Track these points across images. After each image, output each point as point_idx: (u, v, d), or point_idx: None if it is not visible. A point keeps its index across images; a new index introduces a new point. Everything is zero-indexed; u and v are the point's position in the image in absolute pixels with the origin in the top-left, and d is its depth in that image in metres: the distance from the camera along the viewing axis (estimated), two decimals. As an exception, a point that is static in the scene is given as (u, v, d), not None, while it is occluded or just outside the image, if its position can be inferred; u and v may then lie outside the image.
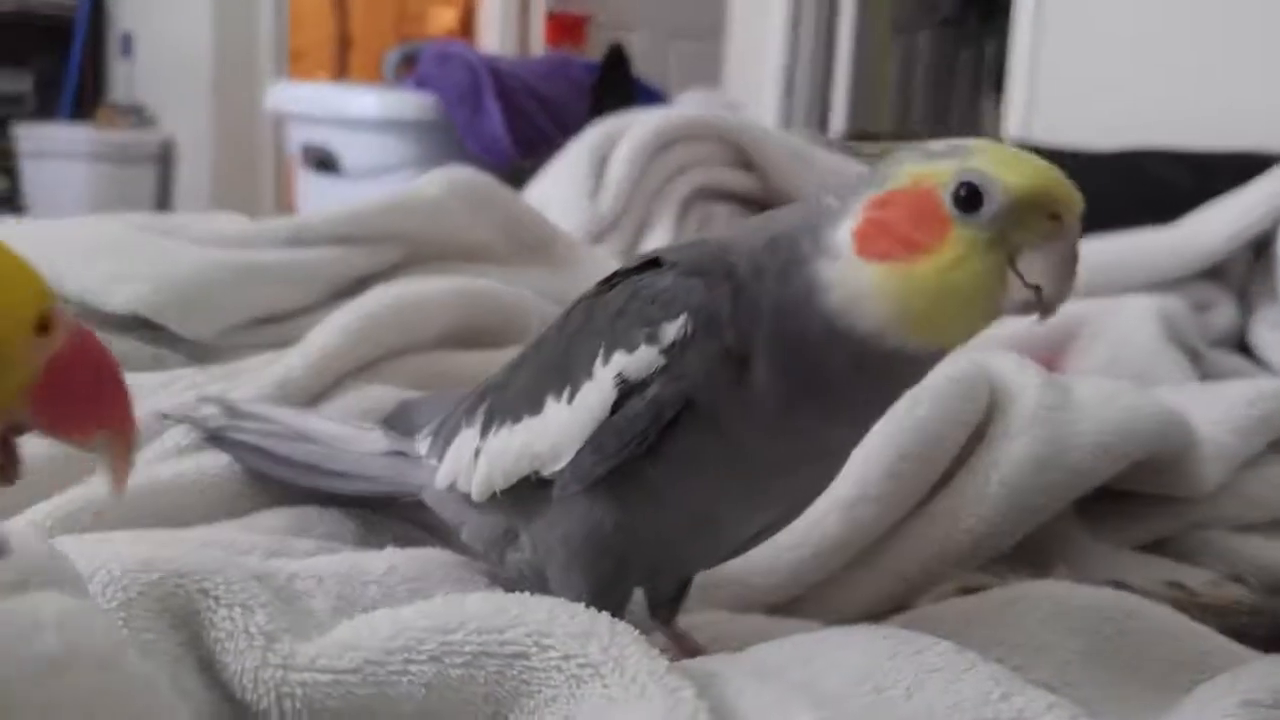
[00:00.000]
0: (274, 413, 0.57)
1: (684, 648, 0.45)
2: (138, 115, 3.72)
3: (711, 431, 0.40)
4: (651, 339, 0.40)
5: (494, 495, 0.45)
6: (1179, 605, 0.50)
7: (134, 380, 0.60)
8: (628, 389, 0.40)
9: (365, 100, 2.65)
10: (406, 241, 0.81)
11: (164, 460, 0.56)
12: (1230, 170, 1.14)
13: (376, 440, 0.54)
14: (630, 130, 1.06)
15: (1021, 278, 0.37)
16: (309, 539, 0.52)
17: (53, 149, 3.54)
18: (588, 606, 0.39)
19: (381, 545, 0.49)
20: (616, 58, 2.33)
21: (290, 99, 2.82)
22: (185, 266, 0.72)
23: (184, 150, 3.69)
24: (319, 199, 2.53)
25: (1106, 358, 0.90)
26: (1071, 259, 0.37)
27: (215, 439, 0.56)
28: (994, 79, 2.92)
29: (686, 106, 1.45)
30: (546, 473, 0.42)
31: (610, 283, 0.44)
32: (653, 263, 0.42)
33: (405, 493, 0.52)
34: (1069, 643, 0.45)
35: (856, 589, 0.55)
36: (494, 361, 0.70)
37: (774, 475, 0.42)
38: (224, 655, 0.36)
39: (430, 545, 0.50)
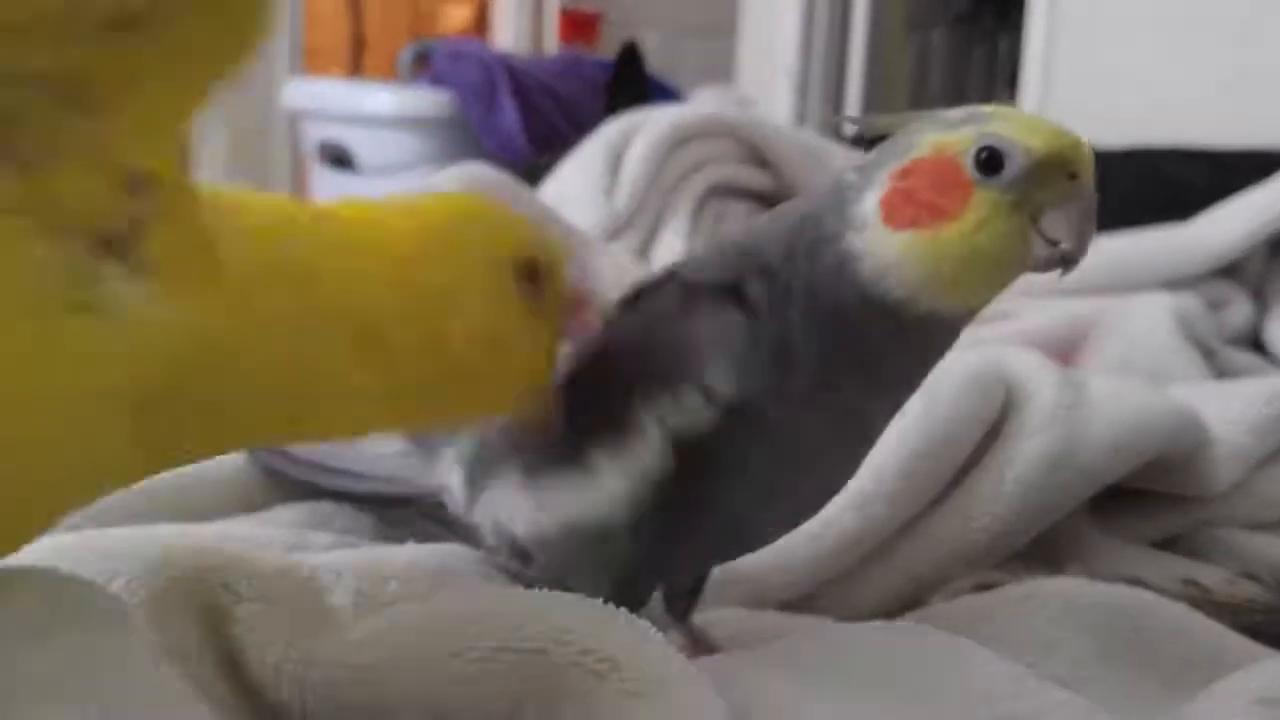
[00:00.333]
0: None
1: (699, 645, 0.45)
2: (154, 112, 3.73)
3: (754, 432, 0.40)
4: (698, 390, 0.40)
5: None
6: (1194, 603, 0.50)
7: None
8: (671, 435, 0.40)
9: (380, 97, 2.65)
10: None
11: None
12: (1248, 168, 1.13)
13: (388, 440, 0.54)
14: (645, 127, 1.06)
15: (1044, 236, 0.38)
16: (327, 533, 0.52)
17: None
18: (607, 602, 0.39)
19: (401, 540, 0.49)
20: (630, 55, 2.33)
21: (306, 96, 2.83)
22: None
23: (199, 147, 3.70)
24: (334, 196, 2.53)
25: (1121, 355, 0.90)
26: (1090, 215, 0.38)
27: None
28: (1008, 76, 2.91)
29: (700, 104, 1.45)
30: (597, 525, 0.42)
31: (634, 303, 0.43)
32: (673, 277, 0.42)
33: (423, 493, 0.52)
34: (1082, 640, 0.46)
35: (870, 586, 0.55)
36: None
37: (809, 462, 0.42)
38: (245, 650, 0.37)
39: (450, 541, 0.51)
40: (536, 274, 0.38)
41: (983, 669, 0.39)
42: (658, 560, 0.43)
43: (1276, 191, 1.00)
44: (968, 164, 0.37)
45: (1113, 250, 1.05)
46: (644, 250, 0.99)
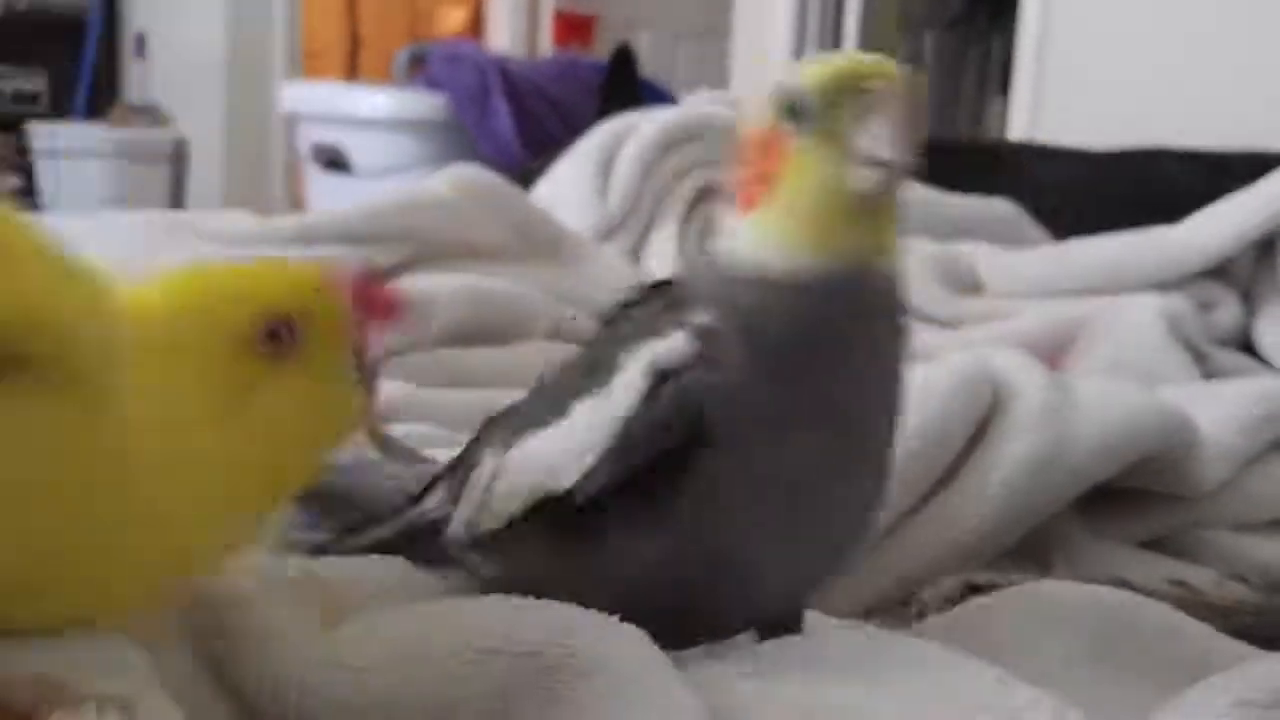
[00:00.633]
0: None
1: None
2: (151, 114, 3.74)
3: (735, 450, 0.39)
4: (679, 324, 0.39)
5: (520, 542, 0.42)
6: (1182, 604, 0.50)
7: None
8: (660, 375, 0.39)
9: (376, 100, 2.66)
10: (415, 240, 0.82)
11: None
12: (1241, 170, 1.14)
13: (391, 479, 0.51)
14: (637, 130, 1.06)
15: (862, 157, 0.37)
16: (320, 532, 0.52)
17: (68, 147, 3.56)
18: None
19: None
20: (624, 58, 2.34)
21: (302, 99, 2.83)
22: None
23: (197, 149, 3.70)
24: (330, 198, 2.54)
25: (1110, 357, 0.90)
26: (900, 121, 0.37)
27: None
28: (1001, 78, 2.92)
29: (692, 106, 1.46)
30: (565, 483, 0.40)
31: (628, 306, 0.43)
32: (663, 284, 0.43)
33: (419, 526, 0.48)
34: (1070, 641, 0.46)
35: (858, 588, 0.55)
36: (500, 358, 0.71)
37: (805, 496, 0.40)
38: (240, 655, 0.36)
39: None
40: (288, 324, 0.35)
41: (967, 667, 0.39)
42: (670, 611, 0.40)
43: (1265, 193, 1.00)
44: (777, 122, 0.38)
45: (1102, 251, 1.05)
46: (635, 252, 0.99)
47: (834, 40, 2.87)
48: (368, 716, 0.35)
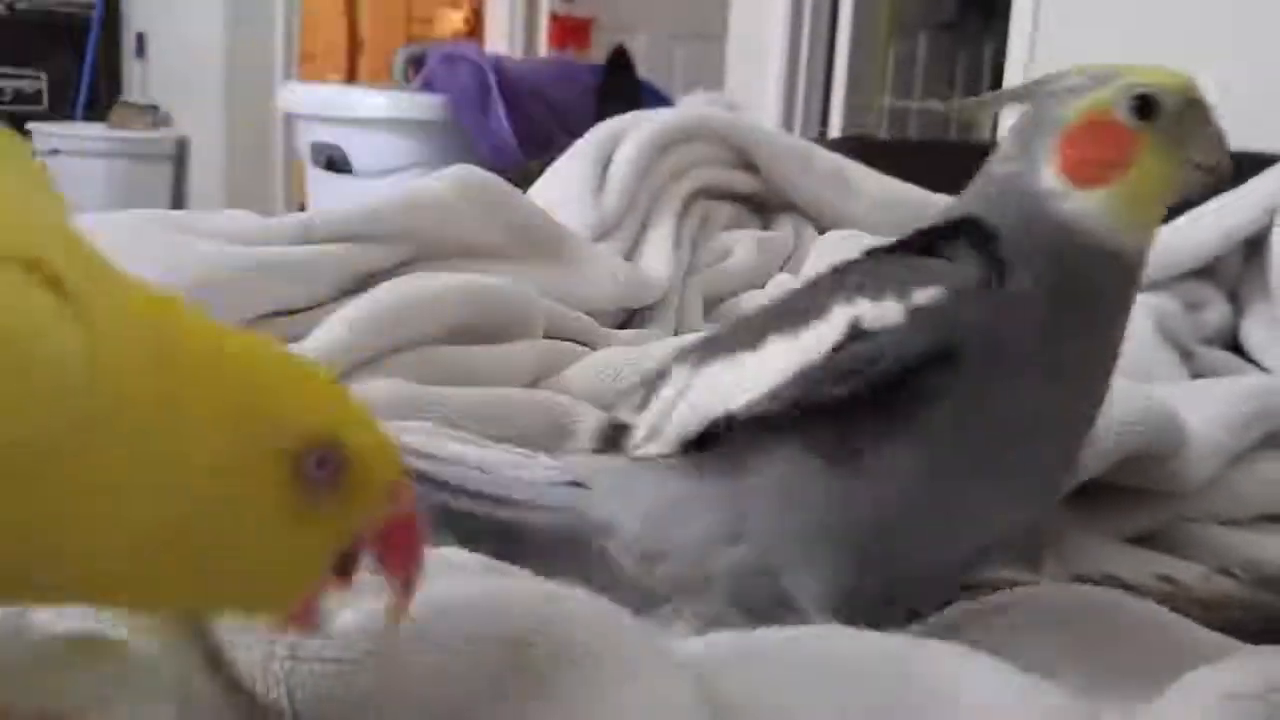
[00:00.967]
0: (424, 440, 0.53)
1: None
2: (153, 114, 3.74)
3: (964, 392, 0.42)
4: (901, 297, 0.42)
5: (700, 477, 0.45)
6: (1170, 599, 0.51)
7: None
8: (857, 334, 0.42)
9: (375, 101, 2.67)
10: (415, 239, 0.82)
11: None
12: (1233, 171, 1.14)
13: (549, 469, 0.51)
14: (633, 130, 1.06)
15: (1194, 162, 0.44)
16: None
17: (69, 147, 3.57)
18: (834, 609, 0.41)
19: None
20: (620, 60, 2.34)
21: (301, 100, 2.84)
22: (197, 263, 0.73)
23: (197, 149, 3.70)
24: (329, 198, 2.55)
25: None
26: (1221, 132, 0.44)
27: None
28: (992, 80, 2.93)
29: (688, 107, 1.46)
30: (736, 405, 0.43)
31: (880, 251, 0.46)
32: (904, 244, 0.45)
33: (583, 529, 0.49)
34: (1057, 635, 0.46)
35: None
36: (500, 356, 0.72)
37: (1025, 441, 0.44)
38: (232, 649, 0.36)
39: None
40: (330, 462, 0.30)
41: (971, 658, 0.39)
42: (869, 551, 0.43)
43: (1252, 193, 1.01)
44: (1123, 116, 0.43)
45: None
46: (631, 252, 0.99)
47: (828, 42, 2.88)
48: (358, 710, 0.35)
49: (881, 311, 0.42)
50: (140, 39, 3.83)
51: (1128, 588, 0.52)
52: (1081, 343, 0.44)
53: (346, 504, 0.31)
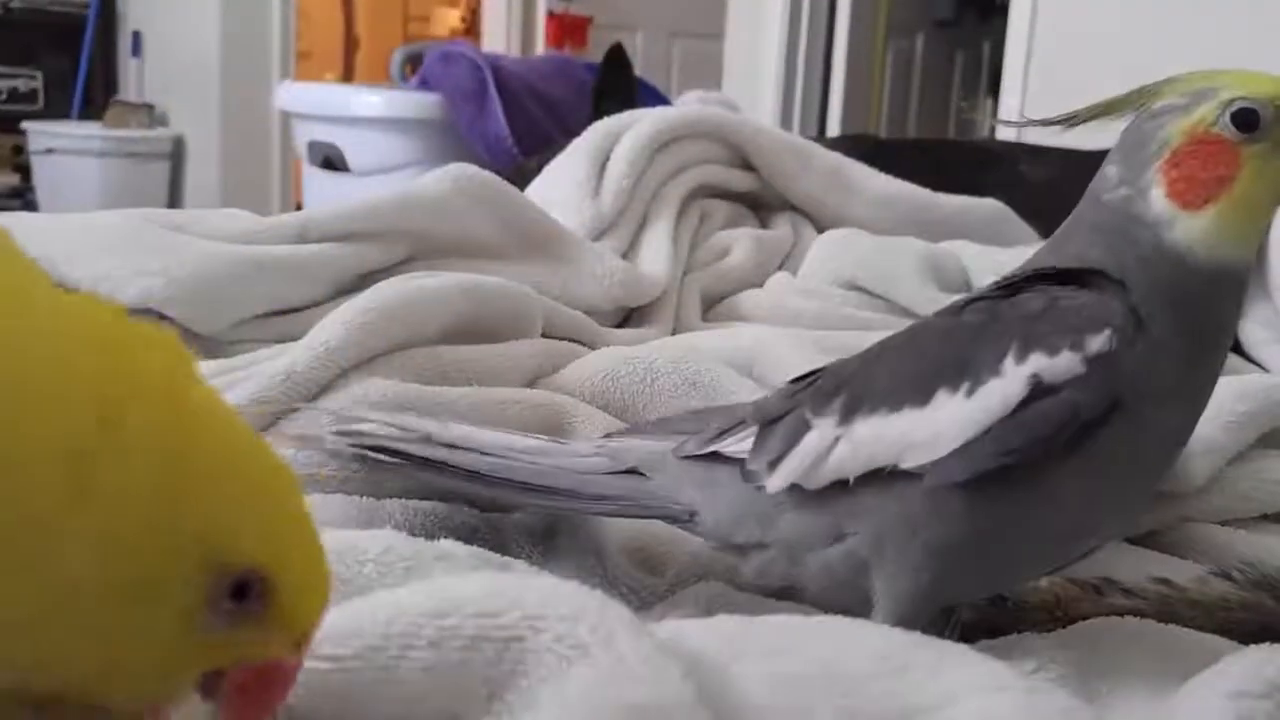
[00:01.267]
0: (463, 432, 0.55)
1: None
2: (149, 113, 3.74)
3: (1120, 427, 0.42)
4: (1076, 346, 0.42)
5: (823, 493, 0.46)
6: (1166, 601, 0.51)
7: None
8: (1040, 391, 0.42)
9: (371, 100, 2.67)
10: (412, 238, 0.82)
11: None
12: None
13: (597, 459, 0.52)
14: (630, 129, 1.06)
15: None
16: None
17: (65, 146, 3.57)
18: (912, 614, 0.42)
19: (381, 526, 0.49)
20: (617, 58, 2.34)
21: (298, 99, 2.84)
22: (194, 261, 0.73)
23: (194, 148, 3.70)
24: (326, 196, 2.55)
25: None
26: None
27: (389, 454, 0.54)
28: (989, 80, 2.94)
29: (685, 106, 1.46)
30: (914, 463, 0.43)
31: (1009, 289, 0.46)
32: (1043, 276, 0.45)
33: (644, 513, 0.52)
34: (1061, 638, 0.46)
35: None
36: (498, 355, 0.72)
37: (1159, 464, 0.45)
38: None
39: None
40: (251, 594, 0.29)
41: (969, 653, 0.40)
42: (980, 568, 0.44)
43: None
44: (1224, 131, 0.43)
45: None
46: (628, 250, 0.99)
47: (826, 41, 2.88)
48: (349, 707, 0.35)
49: (1060, 363, 0.42)
50: (136, 38, 3.83)
51: (1125, 590, 0.52)
52: (1209, 366, 0.45)
53: (252, 637, 0.29)
